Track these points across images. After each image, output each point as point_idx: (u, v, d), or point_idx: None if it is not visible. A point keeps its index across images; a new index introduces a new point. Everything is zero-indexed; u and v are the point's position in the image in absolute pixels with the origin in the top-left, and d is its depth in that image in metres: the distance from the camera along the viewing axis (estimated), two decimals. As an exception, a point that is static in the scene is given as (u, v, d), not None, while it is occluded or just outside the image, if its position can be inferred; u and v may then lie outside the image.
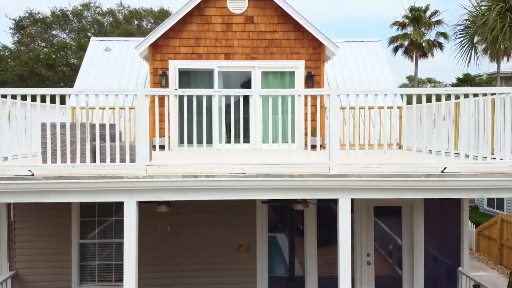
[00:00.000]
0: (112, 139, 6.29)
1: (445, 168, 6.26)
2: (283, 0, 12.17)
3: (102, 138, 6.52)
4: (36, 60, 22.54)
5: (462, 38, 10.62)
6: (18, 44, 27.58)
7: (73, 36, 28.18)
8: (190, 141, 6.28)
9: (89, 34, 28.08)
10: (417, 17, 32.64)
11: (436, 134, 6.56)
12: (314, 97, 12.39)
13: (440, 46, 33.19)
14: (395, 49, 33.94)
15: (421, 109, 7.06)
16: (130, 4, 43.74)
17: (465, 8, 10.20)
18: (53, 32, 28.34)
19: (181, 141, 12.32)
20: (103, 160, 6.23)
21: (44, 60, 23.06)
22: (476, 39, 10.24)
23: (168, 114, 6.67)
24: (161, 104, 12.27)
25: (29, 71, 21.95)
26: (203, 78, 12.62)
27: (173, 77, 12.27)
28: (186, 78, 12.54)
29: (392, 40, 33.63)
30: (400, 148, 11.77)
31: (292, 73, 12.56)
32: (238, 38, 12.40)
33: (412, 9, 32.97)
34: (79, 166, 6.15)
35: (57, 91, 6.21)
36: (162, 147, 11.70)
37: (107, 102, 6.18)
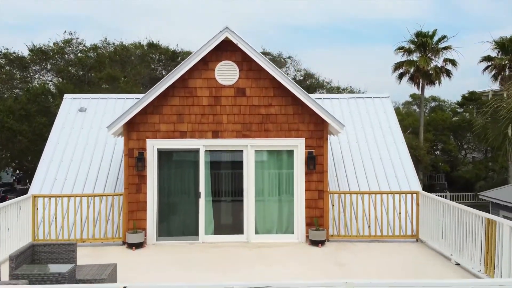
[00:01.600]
0: None
1: None
2: (278, 71, 10.45)
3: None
4: (7, 112, 20.68)
5: (489, 119, 9.42)
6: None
7: (53, 73, 26.26)
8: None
9: (72, 70, 26.12)
10: (423, 43, 30.83)
11: None
12: (318, 182, 10.73)
13: (448, 73, 31.35)
14: (400, 76, 32.12)
15: None
16: (116, 38, 41.82)
17: (496, 94, 8.78)
18: (35, 68, 26.44)
19: (159, 234, 10.57)
20: None
21: (16, 111, 21.15)
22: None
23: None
24: (138, 191, 10.56)
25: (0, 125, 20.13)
26: (187, 159, 10.88)
27: (152, 160, 10.51)
28: (167, 159, 10.77)
29: (397, 66, 31.84)
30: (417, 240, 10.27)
31: (290, 152, 10.83)
32: (227, 113, 10.65)
33: (418, 35, 31.10)
34: None
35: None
36: (139, 244, 10.01)
37: None
